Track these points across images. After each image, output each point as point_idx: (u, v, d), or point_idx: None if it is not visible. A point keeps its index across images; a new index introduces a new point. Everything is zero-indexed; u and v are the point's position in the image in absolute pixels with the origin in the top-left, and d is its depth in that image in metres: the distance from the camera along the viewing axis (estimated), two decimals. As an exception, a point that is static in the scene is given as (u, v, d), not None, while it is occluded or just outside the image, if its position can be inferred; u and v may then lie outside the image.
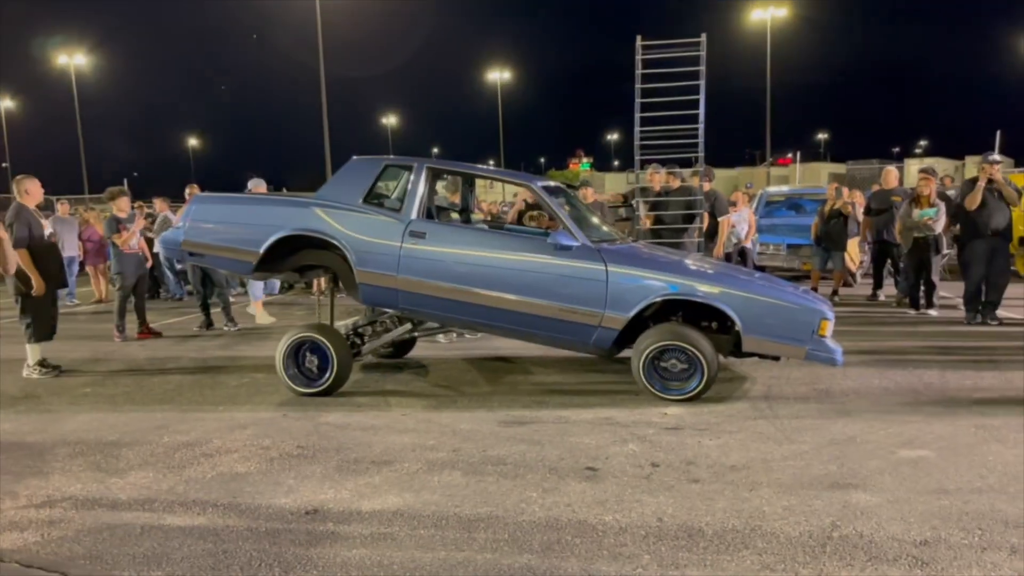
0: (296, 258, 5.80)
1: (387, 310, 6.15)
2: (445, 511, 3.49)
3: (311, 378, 5.61)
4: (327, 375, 5.54)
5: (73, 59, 39.71)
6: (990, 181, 7.83)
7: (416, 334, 6.49)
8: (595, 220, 6.37)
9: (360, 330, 6.22)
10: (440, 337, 7.49)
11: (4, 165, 48.60)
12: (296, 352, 5.60)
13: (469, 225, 6.52)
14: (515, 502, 3.56)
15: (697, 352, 5.11)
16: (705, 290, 5.17)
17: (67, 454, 4.41)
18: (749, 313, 5.12)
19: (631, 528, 3.27)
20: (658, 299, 5.20)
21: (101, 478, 4.01)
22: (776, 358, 5.38)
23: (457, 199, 7.35)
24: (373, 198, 5.75)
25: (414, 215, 5.53)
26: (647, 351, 5.22)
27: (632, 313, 5.18)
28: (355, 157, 5.98)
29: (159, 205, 12.54)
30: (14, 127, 54.00)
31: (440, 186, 7.36)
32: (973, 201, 7.81)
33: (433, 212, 5.94)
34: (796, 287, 5.68)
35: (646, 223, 8.43)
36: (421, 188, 5.59)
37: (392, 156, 6.04)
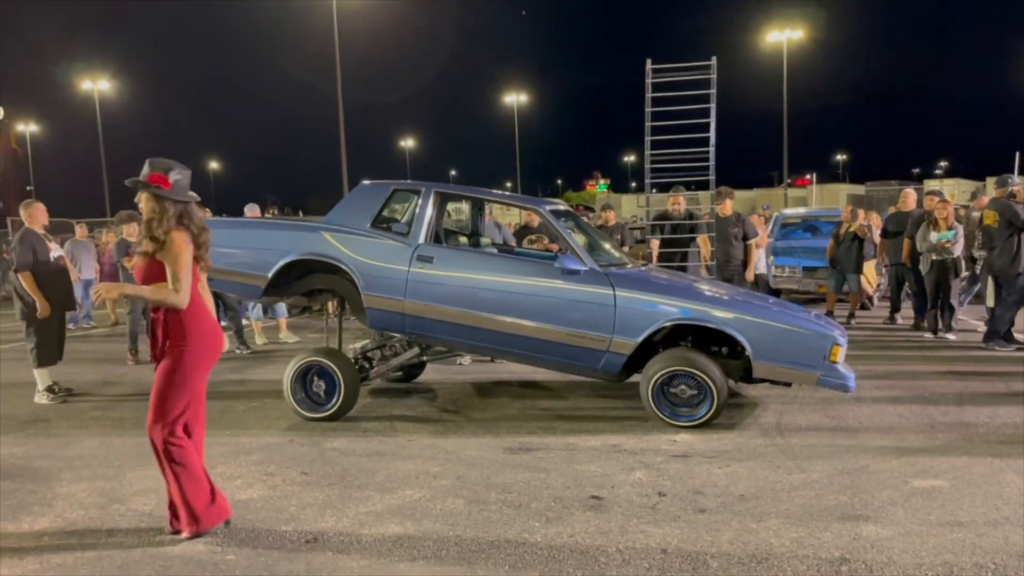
0: (305, 282, 5.81)
1: (395, 334, 6.13)
2: (446, 540, 3.44)
3: (318, 403, 5.58)
4: (334, 400, 5.52)
5: (97, 84, 40.39)
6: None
7: (425, 358, 6.46)
8: (606, 245, 6.34)
9: (368, 354, 6.20)
10: (465, 359, 7.49)
11: (29, 188, 49.41)
12: (304, 376, 5.59)
13: (477, 249, 6.51)
14: (517, 531, 3.51)
15: (707, 379, 5.05)
16: (716, 315, 5.11)
17: (72, 479, 4.41)
18: (760, 339, 5.05)
19: (634, 560, 3.20)
20: (668, 324, 5.15)
21: (104, 504, 3.99)
22: (788, 384, 5.31)
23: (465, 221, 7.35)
24: (381, 222, 5.75)
25: (422, 239, 5.52)
26: (656, 377, 5.16)
27: (641, 339, 5.13)
28: (364, 182, 6.01)
29: None
30: (39, 150, 54.99)
31: (450, 209, 7.34)
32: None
33: (441, 236, 5.93)
34: (809, 312, 5.61)
35: (654, 246, 8.37)
36: (429, 212, 5.59)
37: (401, 181, 6.05)
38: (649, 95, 8.17)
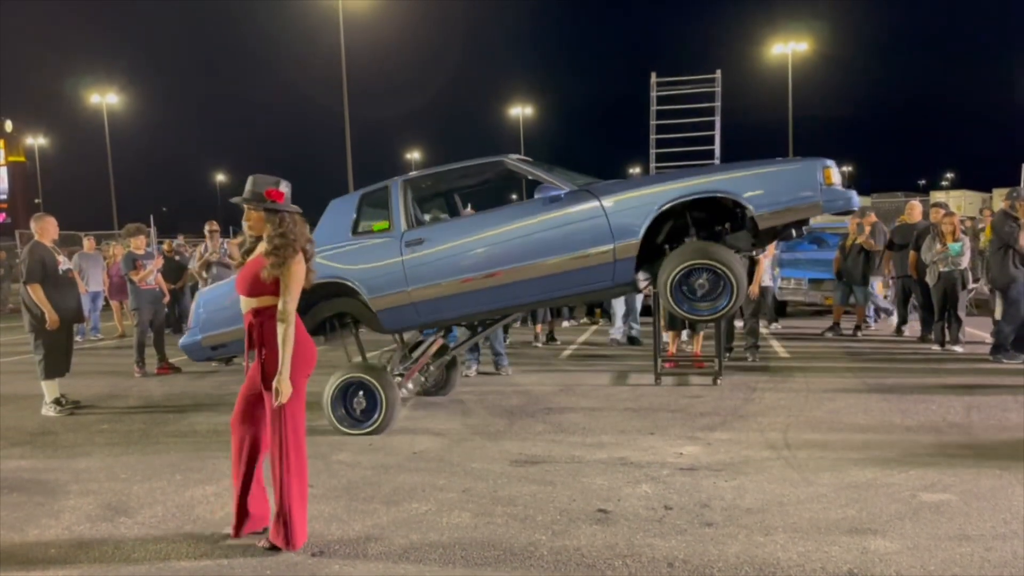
0: (311, 315, 5.72)
1: (419, 345, 6.11)
2: (451, 554, 3.43)
3: (358, 419, 5.57)
4: (376, 415, 5.51)
5: (105, 97, 40.69)
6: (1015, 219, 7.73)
7: (447, 356, 6.42)
8: (574, 175, 6.27)
9: (400, 372, 6.19)
10: (471, 371, 7.48)
11: (37, 201, 49.70)
12: (344, 393, 5.57)
13: (459, 217, 6.45)
14: (523, 545, 3.50)
15: (723, 268, 4.96)
16: (702, 184, 5.02)
17: (79, 492, 4.42)
18: (754, 189, 4.95)
19: (641, 573, 3.19)
20: (664, 206, 5.04)
21: (110, 516, 4.00)
22: (801, 225, 5.24)
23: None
24: (362, 230, 5.77)
25: (403, 227, 5.55)
26: (673, 274, 5.06)
27: (641, 233, 5.06)
28: (332, 201, 6.02)
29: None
30: (47, 163, 55.35)
31: (428, 213, 7.20)
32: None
33: (422, 220, 5.92)
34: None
35: None
36: (402, 202, 5.62)
37: (366, 187, 6.01)
38: (654, 107, 8.21)
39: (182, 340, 6.13)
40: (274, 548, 3.47)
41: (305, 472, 3.53)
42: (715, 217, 5.28)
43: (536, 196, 5.28)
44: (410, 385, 5.98)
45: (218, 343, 5.86)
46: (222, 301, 5.82)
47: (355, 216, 5.73)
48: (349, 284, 5.52)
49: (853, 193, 5.01)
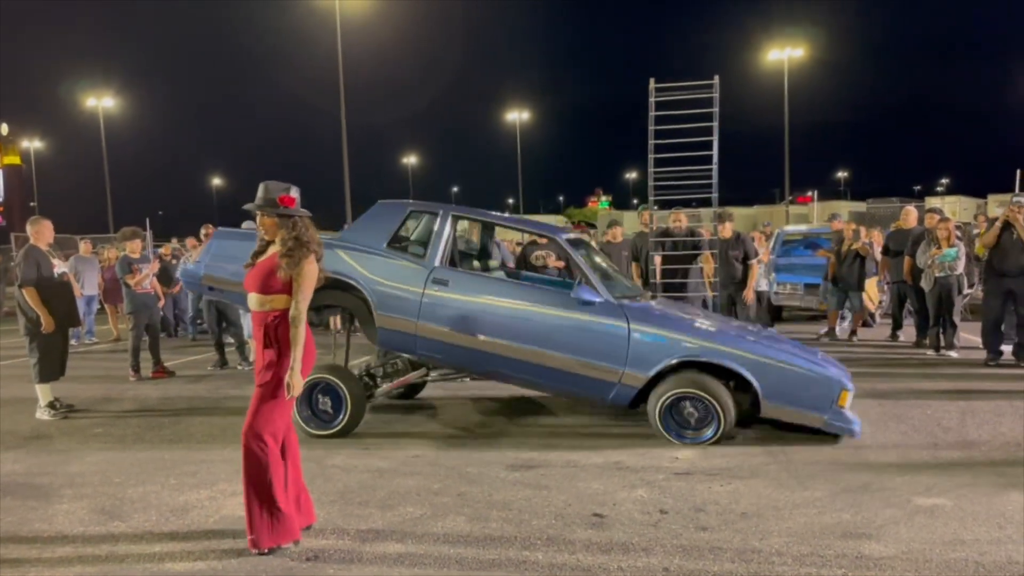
0: (314, 298, 5.76)
1: (401, 354, 6.11)
2: (447, 558, 3.43)
3: (324, 420, 5.56)
4: (341, 416, 5.51)
5: (101, 101, 40.65)
6: (1007, 223, 7.79)
7: (428, 378, 6.44)
8: (615, 274, 6.33)
9: (372, 371, 6.20)
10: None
11: (32, 204, 49.61)
12: (309, 394, 5.57)
13: (492, 275, 6.45)
14: (518, 550, 3.50)
15: (715, 403, 5.07)
16: (730, 353, 5.12)
17: (73, 495, 4.41)
18: (771, 379, 5.07)
19: (636, 578, 3.19)
20: (681, 360, 5.16)
21: (104, 520, 3.99)
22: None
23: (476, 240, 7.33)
24: (397, 243, 5.76)
25: (437, 262, 5.52)
26: (665, 398, 5.16)
27: (652, 373, 5.16)
28: (380, 201, 6.00)
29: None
30: (42, 166, 55.25)
31: (461, 229, 7.30)
32: (986, 241, 7.83)
33: (456, 259, 5.93)
34: (818, 354, 5.58)
35: (656, 263, 8.38)
36: (445, 235, 5.60)
37: (418, 202, 6.05)
38: (652, 113, 8.21)
39: (186, 266, 6.17)
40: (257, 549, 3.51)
41: (280, 471, 3.54)
42: (727, 373, 5.26)
43: (574, 292, 5.27)
44: (377, 389, 5.98)
45: (216, 286, 5.88)
46: (237, 253, 5.78)
47: (396, 229, 5.71)
48: (362, 290, 5.51)
49: (857, 422, 5.11)
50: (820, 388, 5.06)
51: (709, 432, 5.12)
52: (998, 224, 7.85)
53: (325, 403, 5.55)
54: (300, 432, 5.53)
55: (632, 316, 5.25)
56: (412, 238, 6.16)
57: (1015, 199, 8.18)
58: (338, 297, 5.74)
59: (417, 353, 5.62)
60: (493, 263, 6.88)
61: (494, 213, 6.52)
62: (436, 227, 5.65)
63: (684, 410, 5.17)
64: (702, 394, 5.09)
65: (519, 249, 9.77)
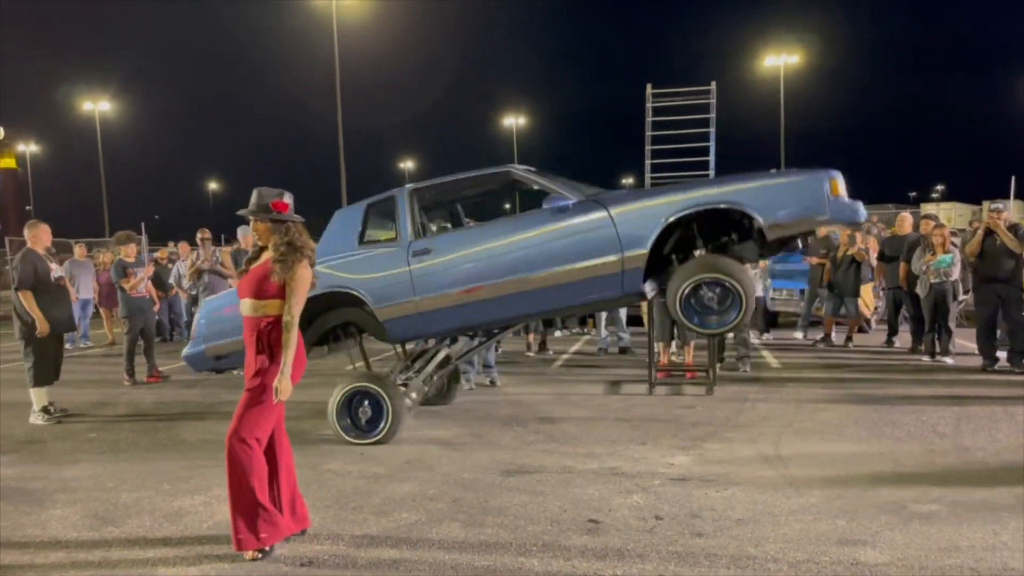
0: (316, 326, 5.74)
1: (420, 356, 6.07)
2: (442, 564, 3.42)
3: (364, 429, 5.53)
4: (382, 424, 5.48)
5: (97, 105, 40.60)
6: (989, 230, 7.85)
7: (451, 364, 6.39)
8: (578, 184, 6.24)
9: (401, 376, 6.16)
10: (466, 384, 7.43)
11: (28, 208, 49.54)
12: (349, 403, 5.54)
13: (466, 227, 6.42)
14: (513, 556, 3.49)
15: (733, 281, 4.96)
16: (712, 194, 5.02)
17: (66, 501, 4.39)
18: (763, 202, 4.94)
19: (631, 585, 3.18)
20: (671, 219, 5.03)
21: (97, 526, 3.97)
22: (807, 236, 5.19)
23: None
24: (368, 238, 5.76)
25: (410, 237, 5.55)
26: (682, 288, 5.05)
27: (650, 243, 5.04)
28: (337, 211, 6.02)
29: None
30: (38, 170, 55.16)
31: (433, 223, 7.18)
32: (971, 250, 7.95)
33: (429, 230, 5.91)
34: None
35: None
36: (409, 211, 5.62)
37: (372, 196, 5.99)
38: (649, 119, 8.25)
39: (184, 351, 6.07)
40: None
41: (264, 474, 3.56)
42: (722, 227, 5.26)
43: (544, 206, 5.25)
44: (413, 395, 5.95)
45: (222, 353, 5.81)
46: (225, 311, 5.77)
47: (361, 226, 5.72)
48: (355, 294, 5.51)
49: (859, 205, 5.02)
50: (810, 187, 4.92)
51: (733, 314, 5.02)
52: (980, 232, 7.92)
53: (365, 412, 5.52)
54: (339, 441, 5.53)
55: (609, 202, 5.20)
56: (382, 229, 6.13)
57: (993, 206, 8.22)
58: (339, 315, 5.72)
59: (428, 330, 5.60)
60: (468, 224, 6.80)
61: (447, 175, 6.23)
62: (398, 207, 5.66)
63: (704, 298, 5.05)
64: (717, 275, 4.95)
65: None
